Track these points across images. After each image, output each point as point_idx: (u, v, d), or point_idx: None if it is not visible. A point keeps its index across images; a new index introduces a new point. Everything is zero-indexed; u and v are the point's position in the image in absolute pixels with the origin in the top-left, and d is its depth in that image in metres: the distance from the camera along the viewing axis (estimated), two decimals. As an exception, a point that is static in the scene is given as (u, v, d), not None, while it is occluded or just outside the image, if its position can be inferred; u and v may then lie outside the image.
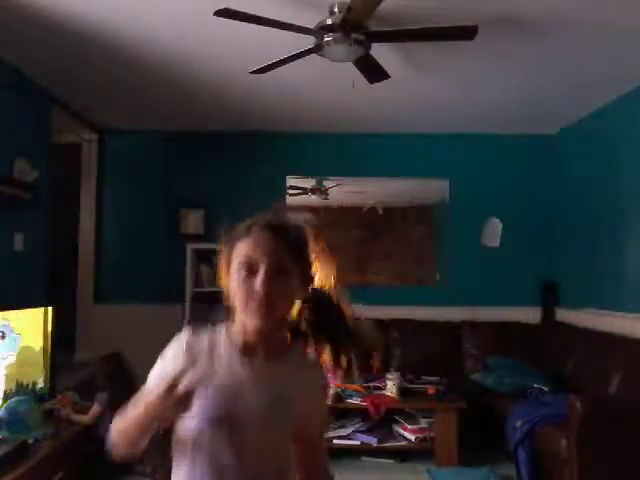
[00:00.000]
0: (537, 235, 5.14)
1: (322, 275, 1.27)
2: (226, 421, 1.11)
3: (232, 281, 1.15)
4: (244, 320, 1.14)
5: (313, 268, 1.23)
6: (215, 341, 1.18)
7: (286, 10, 2.77)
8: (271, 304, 1.11)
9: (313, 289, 1.25)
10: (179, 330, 1.21)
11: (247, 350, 1.16)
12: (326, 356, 1.25)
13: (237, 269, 1.14)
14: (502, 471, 3.45)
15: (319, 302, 1.26)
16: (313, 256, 1.23)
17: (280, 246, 1.14)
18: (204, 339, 1.19)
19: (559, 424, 3.04)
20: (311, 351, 1.24)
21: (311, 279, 1.24)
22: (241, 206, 5.03)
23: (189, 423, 1.12)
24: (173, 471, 1.21)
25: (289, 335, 1.24)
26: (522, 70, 3.64)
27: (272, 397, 1.13)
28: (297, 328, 1.24)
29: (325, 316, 1.27)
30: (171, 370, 1.10)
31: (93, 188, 5.17)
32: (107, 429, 3.11)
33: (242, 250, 1.14)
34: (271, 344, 1.17)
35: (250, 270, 1.12)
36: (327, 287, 1.28)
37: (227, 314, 1.18)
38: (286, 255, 1.14)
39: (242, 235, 1.16)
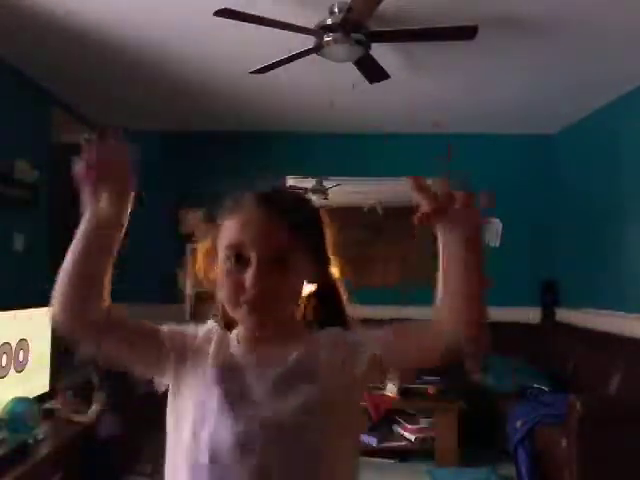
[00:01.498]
0: (537, 235, 5.13)
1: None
2: (238, 446, 0.82)
3: (219, 275, 0.89)
4: (239, 321, 0.91)
5: (328, 246, 0.96)
6: (228, 343, 0.93)
7: (286, 10, 2.77)
8: (268, 304, 0.85)
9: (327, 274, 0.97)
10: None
11: (251, 353, 0.91)
12: None
13: (223, 259, 0.88)
14: (502, 471, 3.45)
15: (329, 291, 1.00)
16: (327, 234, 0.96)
17: (278, 224, 0.85)
18: (216, 335, 0.94)
19: (559, 424, 3.03)
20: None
21: (327, 260, 0.97)
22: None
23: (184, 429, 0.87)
24: None
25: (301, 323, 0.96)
26: (522, 70, 3.64)
27: (295, 401, 0.84)
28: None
29: (330, 309, 0.99)
30: (179, 345, 0.92)
31: (93, 188, 5.16)
32: (107, 429, 3.25)
33: (227, 233, 0.88)
34: (278, 340, 0.90)
35: (239, 260, 0.85)
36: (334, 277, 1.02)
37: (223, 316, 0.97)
38: (287, 235, 0.85)
39: (229, 213, 0.91)
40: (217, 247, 0.91)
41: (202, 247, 0.97)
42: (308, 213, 0.93)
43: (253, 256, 0.85)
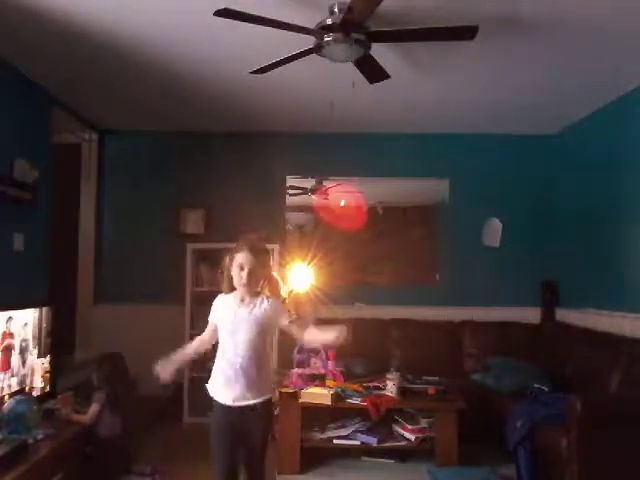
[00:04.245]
0: (537, 235, 5.14)
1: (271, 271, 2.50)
2: (233, 332, 2.36)
3: (233, 272, 2.37)
4: (239, 289, 2.39)
5: (269, 265, 2.48)
6: (230, 298, 2.42)
7: (286, 10, 2.77)
8: (249, 284, 2.35)
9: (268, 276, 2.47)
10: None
11: (242, 300, 2.39)
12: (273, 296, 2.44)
13: (236, 267, 2.36)
14: (502, 471, 3.44)
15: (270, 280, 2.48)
16: (270, 259, 2.50)
17: (254, 259, 2.34)
18: (227, 297, 2.44)
19: (559, 424, 3.04)
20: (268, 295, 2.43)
21: (269, 269, 2.46)
22: (241, 206, 5.06)
23: (220, 333, 2.40)
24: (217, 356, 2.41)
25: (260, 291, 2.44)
26: (522, 70, 3.64)
27: (253, 319, 2.35)
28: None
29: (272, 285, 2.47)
30: (214, 313, 2.45)
31: (93, 188, 5.17)
32: (107, 429, 3.32)
33: (238, 260, 2.36)
34: (251, 296, 2.39)
35: (241, 268, 2.35)
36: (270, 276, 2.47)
37: (230, 287, 2.42)
38: (257, 263, 2.35)
39: (238, 250, 2.36)
40: (233, 262, 2.38)
41: (227, 262, 2.42)
42: (264, 255, 2.41)
43: (246, 268, 2.34)
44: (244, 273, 2.32)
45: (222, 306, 2.41)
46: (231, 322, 2.35)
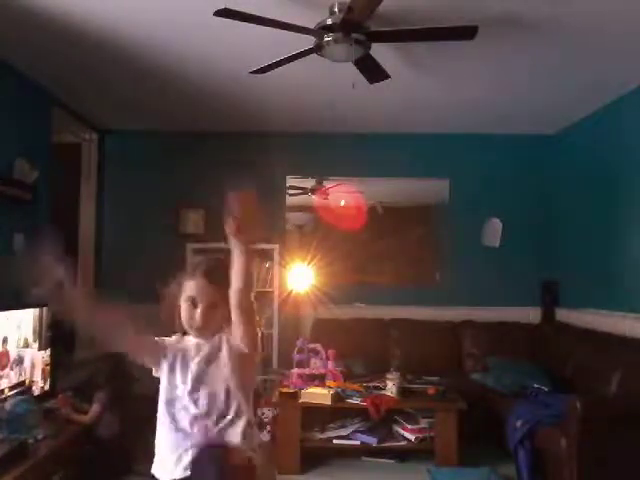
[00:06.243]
0: (537, 235, 5.14)
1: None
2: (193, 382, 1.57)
3: (182, 307, 1.61)
4: (191, 333, 1.62)
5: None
6: (183, 342, 1.65)
7: (286, 10, 2.77)
8: (205, 328, 1.59)
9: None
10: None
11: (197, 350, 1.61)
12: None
13: (185, 301, 1.60)
14: (502, 471, 3.44)
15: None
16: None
17: (214, 290, 1.57)
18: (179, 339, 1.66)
19: (559, 424, 3.03)
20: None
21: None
22: (241, 206, 5.05)
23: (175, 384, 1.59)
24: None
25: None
26: (522, 70, 3.64)
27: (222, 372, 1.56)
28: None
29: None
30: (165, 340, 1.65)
31: (93, 188, 5.16)
32: (107, 429, 3.27)
33: (188, 290, 1.61)
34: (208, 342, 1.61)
35: (193, 304, 1.59)
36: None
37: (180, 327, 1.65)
38: (217, 295, 1.56)
39: (189, 277, 1.63)
40: (181, 294, 1.62)
41: (171, 295, 1.67)
42: (227, 281, 1.50)
43: (200, 304, 1.57)
44: (198, 312, 1.57)
45: (180, 344, 1.64)
46: (190, 377, 1.57)
